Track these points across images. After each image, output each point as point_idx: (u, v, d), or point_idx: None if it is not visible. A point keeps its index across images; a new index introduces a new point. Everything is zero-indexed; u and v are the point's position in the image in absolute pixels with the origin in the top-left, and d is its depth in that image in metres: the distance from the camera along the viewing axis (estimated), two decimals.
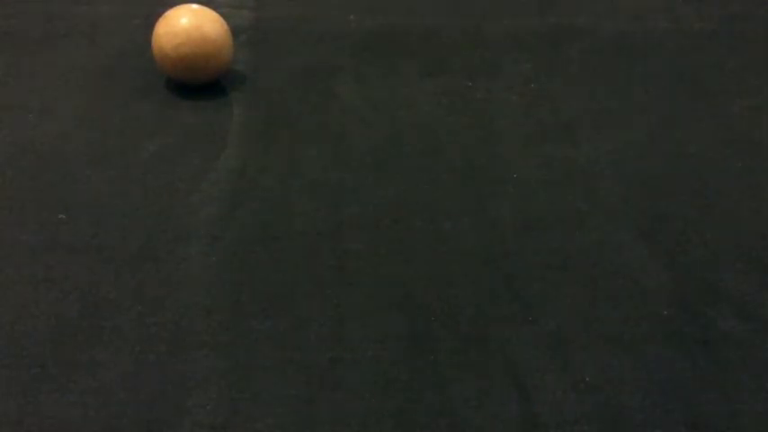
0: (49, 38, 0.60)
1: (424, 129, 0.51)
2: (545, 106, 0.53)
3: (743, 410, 0.35)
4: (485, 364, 0.37)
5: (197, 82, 0.53)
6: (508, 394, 0.35)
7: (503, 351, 0.37)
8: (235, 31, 0.55)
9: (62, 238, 0.43)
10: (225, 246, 0.42)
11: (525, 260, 0.42)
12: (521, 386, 0.36)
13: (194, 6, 0.53)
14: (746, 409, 0.35)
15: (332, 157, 0.49)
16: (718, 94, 0.55)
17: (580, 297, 0.40)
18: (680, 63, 0.58)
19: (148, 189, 0.46)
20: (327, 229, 0.44)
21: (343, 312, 0.39)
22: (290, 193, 0.46)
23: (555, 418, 0.34)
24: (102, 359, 0.36)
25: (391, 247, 0.42)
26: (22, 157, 0.48)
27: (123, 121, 0.52)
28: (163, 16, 0.52)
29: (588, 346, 0.37)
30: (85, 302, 0.39)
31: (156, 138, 0.50)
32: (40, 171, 0.47)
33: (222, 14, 0.54)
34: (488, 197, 0.46)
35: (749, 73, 0.57)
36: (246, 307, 0.39)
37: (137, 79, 0.55)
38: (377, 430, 0.34)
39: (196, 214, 0.44)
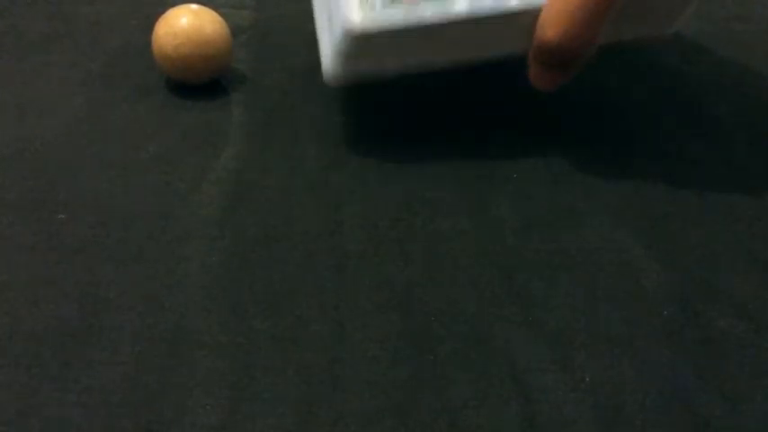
0: (49, 38, 0.60)
1: (424, 127, 0.51)
2: (545, 106, 0.53)
3: (743, 410, 0.35)
4: (485, 364, 0.36)
5: (197, 82, 0.53)
6: (508, 394, 0.35)
7: (503, 351, 0.37)
8: (235, 31, 0.55)
9: (62, 238, 0.43)
10: (225, 246, 0.42)
11: (525, 260, 0.42)
12: (521, 386, 0.35)
13: (194, 7, 0.53)
14: (746, 409, 0.35)
15: (332, 157, 0.49)
16: (718, 94, 0.55)
17: (580, 297, 0.40)
18: (679, 63, 0.58)
19: (148, 189, 0.46)
20: (327, 229, 0.44)
21: (343, 312, 0.39)
22: (290, 193, 0.46)
23: (555, 418, 0.34)
24: (102, 359, 0.36)
25: (391, 247, 0.42)
26: (22, 157, 0.48)
27: (123, 121, 0.52)
28: (163, 17, 0.52)
29: (588, 346, 0.37)
30: (85, 302, 0.39)
31: (156, 138, 0.50)
32: (40, 171, 0.47)
33: (222, 14, 0.54)
34: (488, 197, 0.46)
35: (748, 74, 0.57)
36: (246, 307, 0.39)
37: (137, 79, 0.55)
38: (377, 430, 0.34)
39: (196, 214, 0.44)
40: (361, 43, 0.44)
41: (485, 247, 0.43)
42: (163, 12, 0.53)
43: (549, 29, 0.44)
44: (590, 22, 0.43)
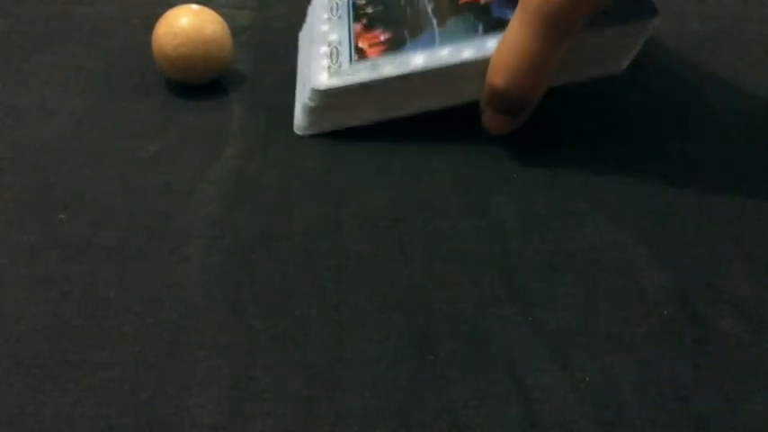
0: (49, 38, 0.60)
1: (424, 128, 0.51)
2: (545, 106, 0.53)
3: (743, 410, 0.35)
4: (485, 364, 0.36)
5: (197, 82, 0.53)
6: (508, 394, 0.35)
7: (503, 351, 0.37)
8: (235, 31, 0.55)
9: (62, 238, 0.43)
10: (225, 246, 0.42)
11: (525, 260, 0.42)
12: (521, 386, 0.36)
13: (194, 7, 0.53)
14: (746, 409, 0.35)
15: (332, 157, 0.49)
16: (718, 94, 0.55)
17: (580, 297, 0.40)
18: (679, 63, 0.58)
19: (148, 189, 0.46)
20: (327, 229, 0.44)
21: (343, 312, 0.39)
22: (290, 193, 0.46)
23: (555, 418, 0.34)
24: (102, 359, 0.36)
25: (391, 247, 0.42)
26: (22, 157, 0.48)
27: (123, 121, 0.52)
28: (163, 17, 0.52)
29: (588, 346, 0.37)
30: (85, 302, 0.39)
31: (156, 138, 0.50)
32: (40, 171, 0.47)
33: (222, 14, 0.54)
34: (488, 197, 0.46)
35: (748, 74, 0.57)
36: (246, 307, 0.39)
37: (137, 79, 0.55)
38: (377, 430, 0.34)
39: (196, 214, 0.44)
40: (326, 99, 0.48)
41: (485, 247, 0.43)
42: (163, 12, 0.53)
43: (497, 76, 0.45)
44: (536, 70, 0.44)
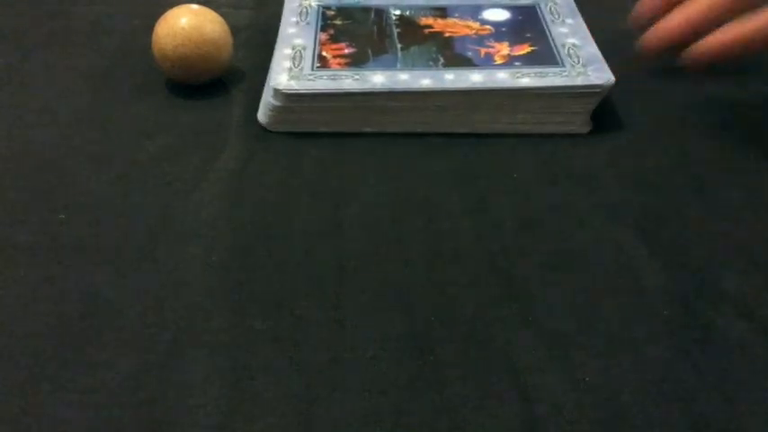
0: (49, 38, 0.60)
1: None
2: None
3: (743, 410, 0.35)
4: (485, 364, 0.36)
5: (197, 82, 0.53)
6: (508, 394, 0.35)
7: (503, 351, 0.37)
8: (235, 30, 0.55)
9: (62, 238, 0.43)
10: (225, 246, 0.42)
11: (525, 260, 0.42)
12: (521, 386, 0.35)
13: (194, 7, 0.53)
14: (746, 409, 0.35)
15: (332, 157, 0.49)
16: (718, 93, 0.55)
17: (580, 297, 0.40)
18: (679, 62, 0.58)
19: (148, 189, 0.46)
20: (327, 229, 0.44)
21: (343, 312, 0.39)
22: (290, 193, 0.46)
23: (555, 418, 0.34)
24: (102, 359, 0.36)
25: (391, 247, 0.43)
26: (22, 157, 0.48)
27: (123, 121, 0.52)
28: (163, 17, 0.52)
29: (588, 346, 0.37)
30: (85, 302, 0.39)
31: (156, 138, 0.50)
32: (40, 171, 0.47)
33: (222, 14, 0.54)
34: (488, 197, 0.46)
35: (749, 73, 0.57)
36: (246, 307, 0.39)
37: (137, 79, 0.55)
38: (377, 430, 0.34)
39: (196, 214, 0.44)
40: (284, 100, 0.49)
41: (485, 247, 0.43)
42: (163, 12, 0.53)
43: None
44: None
